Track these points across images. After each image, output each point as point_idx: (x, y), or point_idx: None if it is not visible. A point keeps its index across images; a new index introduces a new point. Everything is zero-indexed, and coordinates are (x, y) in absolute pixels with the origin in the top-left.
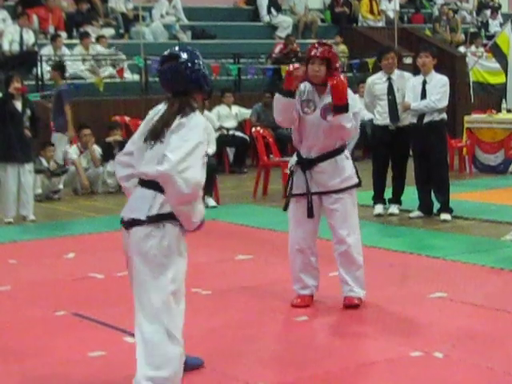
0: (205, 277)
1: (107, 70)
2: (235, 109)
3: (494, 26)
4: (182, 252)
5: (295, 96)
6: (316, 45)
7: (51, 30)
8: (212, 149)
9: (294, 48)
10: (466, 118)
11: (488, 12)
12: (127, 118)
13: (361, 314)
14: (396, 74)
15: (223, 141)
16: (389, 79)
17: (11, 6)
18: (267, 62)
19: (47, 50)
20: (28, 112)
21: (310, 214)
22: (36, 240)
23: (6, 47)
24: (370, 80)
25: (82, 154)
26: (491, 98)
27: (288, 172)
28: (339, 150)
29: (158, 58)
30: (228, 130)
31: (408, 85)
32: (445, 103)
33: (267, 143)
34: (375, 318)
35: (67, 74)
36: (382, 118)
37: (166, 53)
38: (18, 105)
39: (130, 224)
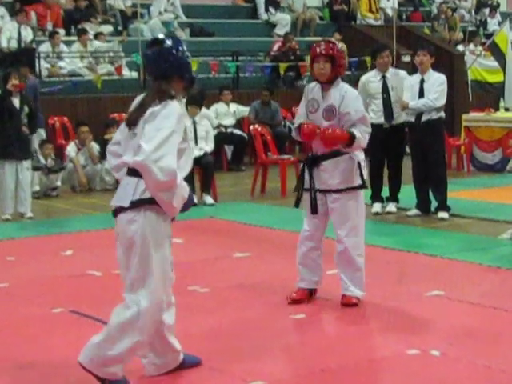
0: (202, 274)
1: (105, 68)
2: (233, 106)
3: (492, 24)
4: (164, 238)
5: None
6: (320, 43)
7: (49, 26)
8: (210, 146)
9: (292, 46)
10: (464, 116)
11: (487, 10)
12: (125, 115)
13: (358, 312)
14: (390, 72)
15: (221, 138)
16: (383, 77)
17: (9, 2)
18: (265, 59)
19: (45, 47)
20: (26, 109)
21: (314, 210)
22: (34, 237)
23: (4, 44)
24: (364, 78)
25: (80, 151)
26: (489, 96)
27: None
28: (344, 151)
29: None
30: (226, 127)
31: (406, 83)
32: (442, 102)
33: (265, 141)
34: (372, 316)
35: (65, 71)
36: (376, 116)
37: (153, 38)
38: (16, 102)
39: (117, 211)
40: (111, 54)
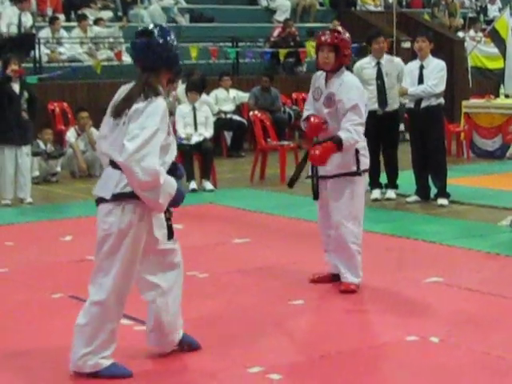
0: (202, 260)
1: (105, 53)
2: (233, 92)
3: (492, 10)
4: (142, 234)
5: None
6: (325, 31)
7: (49, 12)
8: (209, 132)
9: (292, 32)
10: (464, 102)
11: None
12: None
13: (357, 298)
14: (385, 58)
15: (221, 124)
16: (378, 64)
17: None
18: (265, 45)
19: (45, 33)
20: (25, 94)
21: (315, 196)
22: (33, 222)
23: (3, 29)
24: (358, 64)
25: (80, 137)
26: (489, 83)
27: None
28: None
29: None
30: (226, 113)
31: (405, 69)
32: (442, 88)
33: (265, 127)
34: (371, 303)
35: (65, 57)
36: (370, 102)
37: (141, 28)
38: (16, 87)
39: (99, 201)
40: (111, 40)
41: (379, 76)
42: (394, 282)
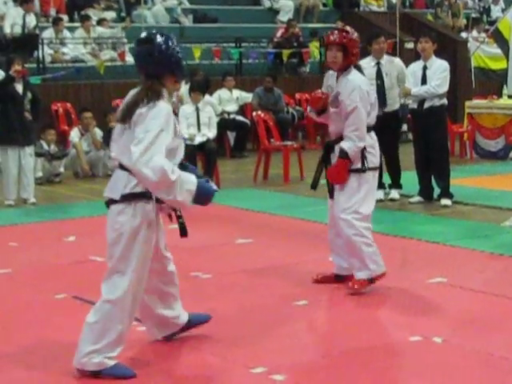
0: (205, 260)
1: (108, 54)
2: (236, 93)
3: (495, 11)
4: (152, 233)
5: (326, 111)
6: (334, 31)
7: (52, 12)
8: (213, 133)
9: (295, 32)
10: (467, 103)
11: None
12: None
13: (360, 298)
14: (385, 58)
15: (224, 125)
16: (378, 64)
17: None
18: (268, 45)
19: (48, 33)
20: (29, 95)
21: (331, 195)
22: (36, 223)
23: (7, 30)
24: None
25: (83, 137)
26: (492, 83)
27: None
28: None
29: None
30: (229, 113)
31: (408, 70)
32: (445, 89)
33: (268, 127)
34: (374, 303)
35: (68, 57)
36: None
37: (142, 35)
38: (19, 88)
39: (109, 203)
40: (114, 41)
41: (379, 76)
42: (398, 283)
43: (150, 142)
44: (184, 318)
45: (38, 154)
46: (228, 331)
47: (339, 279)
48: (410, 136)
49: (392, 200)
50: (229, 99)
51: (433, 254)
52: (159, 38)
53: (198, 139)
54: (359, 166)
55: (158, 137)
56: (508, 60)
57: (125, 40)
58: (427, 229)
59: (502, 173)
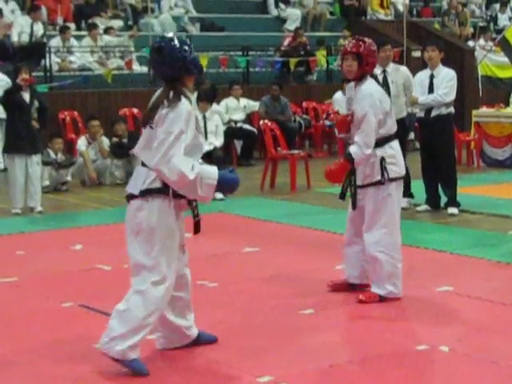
0: (211, 269)
1: (115, 62)
2: (243, 101)
3: (502, 19)
4: (172, 227)
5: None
6: (350, 40)
7: (60, 21)
8: (220, 141)
9: (302, 41)
10: (474, 112)
11: (497, 6)
12: (135, 110)
13: (366, 307)
14: (391, 67)
15: (231, 133)
16: (384, 72)
17: None
18: (276, 54)
19: (56, 42)
20: (36, 103)
21: (353, 206)
22: (43, 231)
23: (15, 38)
24: None
25: (91, 146)
26: (499, 92)
27: None
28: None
29: None
30: (236, 122)
31: (415, 79)
32: (452, 97)
33: (275, 136)
34: (381, 311)
35: (75, 66)
36: None
37: (154, 44)
38: (26, 96)
39: (129, 198)
40: (121, 49)
41: (385, 84)
42: (405, 291)
43: (170, 144)
44: (195, 331)
45: (45, 163)
46: (234, 340)
47: (353, 288)
48: (417, 145)
49: (402, 209)
50: (236, 108)
51: (440, 262)
52: (170, 43)
53: (205, 148)
54: (378, 178)
55: (177, 139)
56: None
57: (132, 48)
58: (434, 237)
59: (509, 181)
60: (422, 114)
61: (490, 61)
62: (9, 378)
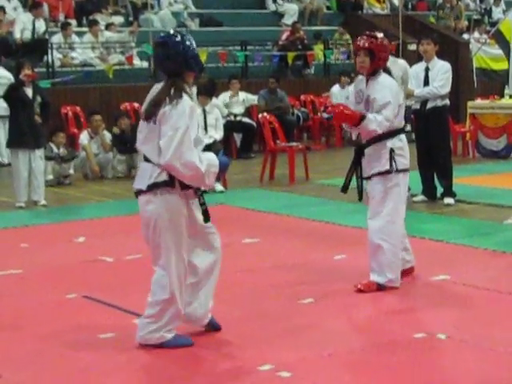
0: None
1: (116, 58)
2: (242, 95)
3: (497, 12)
4: (180, 217)
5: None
6: (363, 36)
7: (61, 18)
8: (219, 134)
9: (300, 35)
10: (469, 103)
11: None
12: (136, 105)
13: (365, 296)
14: (389, 59)
15: (230, 127)
16: None
17: None
18: (273, 48)
19: (57, 38)
20: (38, 99)
21: (360, 197)
22: (47, 224)
23: (17, 35)
24: None
25: (93, 140)
26: (494, 83)
27: None
28: (380, 138)
29: None
30: (235, 115)
31: (411, 71)
32: (447, 89)
33: (274, 129)
34: (379, 301)
35: (77, 61)
36: None
37: (157, 39)
38: (29, 91)
39: (137, 193)
40: (122, 45)
41: None
42: (402, 280)
43: (180, 140)
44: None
45: (48, 158)
46: (235, 329)
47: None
48: (413, 136)
49: None
50: (235, 101)
51: (436, 251)
52: (174, 38)
53: (205, 141)
54: (387, 167)
55: (185, 134)
56: (509, 61)
57: (132, 44)
58: (430, 227)
59: (504, 171)
60: (417, 106)
61: (484, 53)
62: (16, 367)
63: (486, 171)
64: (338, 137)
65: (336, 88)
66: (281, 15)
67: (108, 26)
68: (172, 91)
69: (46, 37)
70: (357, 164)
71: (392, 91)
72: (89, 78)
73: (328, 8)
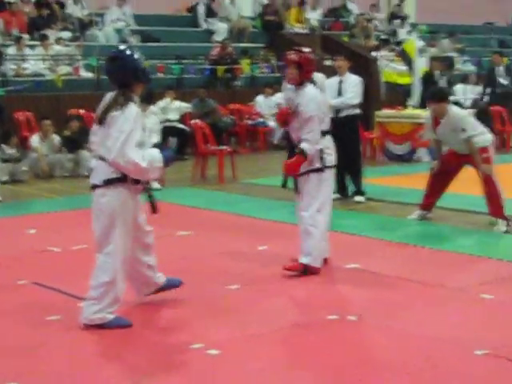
0: None
1: (65, 69)
2: (177, 103)
3: (402, 33)
4: (130, 211)
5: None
6: (291, 51)
7: (15, 32)
8: (156, 138)
9: (229, 51)
10: (377, 113)
11: (398, 21)
12: (82, 111)
13: (287, 282)
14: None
15: (166, 131)
16: None
17: None
18: (205, 62)
19: (11, 50)
20: None
21: (297, 190)
22: (1, 218)
23: None
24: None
25: (43, 142)
26: (399, 96)
27: None
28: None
29: None
30: (171, 121)
31: (326, 84)
32: (358, 100)
33: (205, 133)
34: (296, 287)
35: (29, 72)
36: None
37: (109, 54)
38: None
39: (93, 188)
40: (70, 57)
41: None
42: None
43: (124, 141)
44: (162, 279)
45: (4, 160)
46: (165, 311)
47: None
48: None
49: None
50: (170, 109)
51: (349, 243)
52: (124, 53)
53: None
54: (318, 165)
55: (129, 135)
56: (412, 76)
57: (79, 57)
58: (344, 222)
59: (408, 173)
60: (332, 115)
61: (391, 69)
62: None
63: (392, 173)
64: (262, 141)
65: (260, 98)
66: (212, 33)
67: (57, 40)
68: (121, 99)
69: (1, 49)
70: None
71: (316, 103)
72: (40, 87)
73: (254, 27)
